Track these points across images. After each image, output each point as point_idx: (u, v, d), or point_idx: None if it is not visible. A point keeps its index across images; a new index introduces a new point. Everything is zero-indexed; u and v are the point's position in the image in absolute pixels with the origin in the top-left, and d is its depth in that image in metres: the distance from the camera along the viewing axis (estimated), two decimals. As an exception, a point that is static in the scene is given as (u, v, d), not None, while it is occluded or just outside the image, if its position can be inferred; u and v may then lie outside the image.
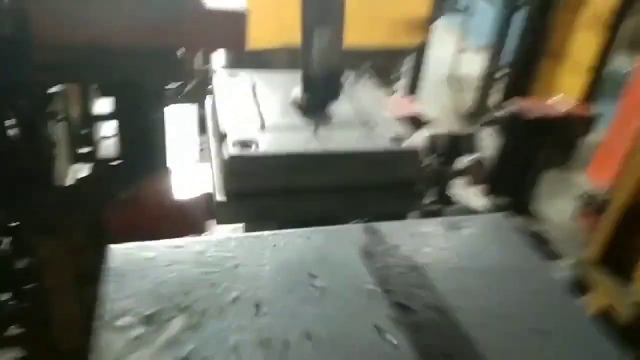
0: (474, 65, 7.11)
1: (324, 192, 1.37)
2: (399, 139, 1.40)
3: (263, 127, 1.39)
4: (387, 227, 1.18)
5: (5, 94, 3.33)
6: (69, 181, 3.92)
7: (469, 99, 6.63)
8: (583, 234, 3.44)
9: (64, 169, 4.05)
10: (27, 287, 3.33)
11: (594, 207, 3.14)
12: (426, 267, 1.08)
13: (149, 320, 0.91)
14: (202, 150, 3.41)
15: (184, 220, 2.46)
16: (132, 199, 3.27)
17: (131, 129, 3.69)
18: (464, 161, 4.12)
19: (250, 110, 1.46)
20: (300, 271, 1.04)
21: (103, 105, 4.06)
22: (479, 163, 4.22)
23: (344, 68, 1.42)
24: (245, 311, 0.95)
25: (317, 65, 1.34)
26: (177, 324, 0.91)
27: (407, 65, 5.59)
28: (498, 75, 6.27)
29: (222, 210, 1.30)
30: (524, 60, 6.01)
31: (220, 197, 1.29)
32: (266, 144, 1.32)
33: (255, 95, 1.54)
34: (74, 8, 1.82)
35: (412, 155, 1.38)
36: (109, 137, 4.07)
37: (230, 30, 1.76)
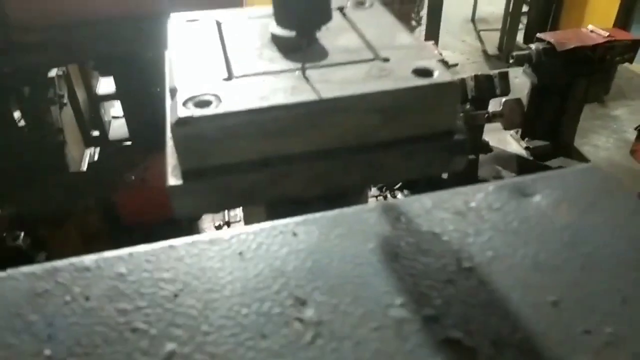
0: (497, 3, 6.38)
1: (324, 157, 0.90)
2: (425, 71, 0.91)
3: (229, 75, 0.93)
4: (417, 204, 0.71)
5: (4, 81, 2.95)
6: (84, 165, 3.57)
7: (495, 37, 5.94)
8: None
9: (78, 154, 3.69)
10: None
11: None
12: (488, 267, 0.62)
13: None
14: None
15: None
16: (142, 179, 2.89)
17: (135, 106, 3.28)
18: (496, 103, 3.60)
19: (213, 57, 0.99)
20: (280, 294, 0.59)
21: (107, 85, 3.67)
22: (513, 104, 3.68)
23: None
24: (184, 382, 0.52)
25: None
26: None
27: (425, 8, 4.98)
28: (524, 9, 5.58)
29: (177, 196, 0.85)
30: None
31: (173, 180, 0.85)
32: (233, 98, 0.86)
33: (221, 39, 1.07)
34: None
35: (446, 90, 0.89)
36: (118, 117, 3.68)
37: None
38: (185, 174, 0.85)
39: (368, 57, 0.98)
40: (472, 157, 3.46)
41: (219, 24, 1.12)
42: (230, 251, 0.65)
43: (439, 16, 5.09)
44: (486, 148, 3.67)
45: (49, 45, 2.69)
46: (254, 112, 0.84)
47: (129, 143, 3.50)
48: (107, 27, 2.65)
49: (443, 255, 0.63)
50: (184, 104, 0.84)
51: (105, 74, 3.46)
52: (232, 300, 0.59)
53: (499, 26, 5.85)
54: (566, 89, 3.86)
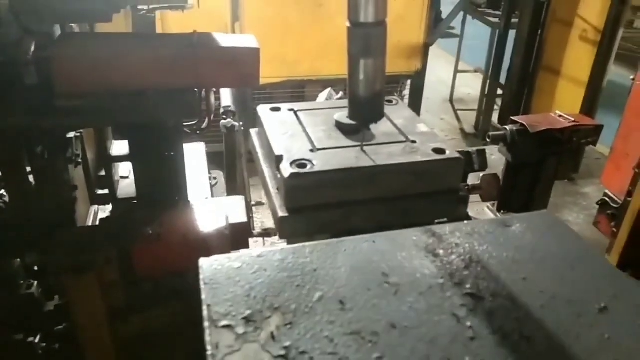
0: (474, 85, 7.33)
1: (375, 204, 1.49)
2: (440, 150, 1.53)
3: (313, 148, 1.52)
4: (443, 229, 1.30)
5: (25, 140, 3.44)
6: (89, 222, 4.01)
7: (471, 118, 6.80)
8: (604, 238, 3.55)
9: (85, 211, 4.14)
10: (57, 328, 3.40)
11: (612, 212, 3.27)
12: (487, 260, 1.20)
13: (248, 320, 1.02)
14: (215, 184, 3.53)
15: (207, 253, 2.56)
16: (156, 234, 3.37)
17: (149, 168, 3.80)
18: (475, 178, 4.24)
19: (299, 136, 1.59)
20: (373, 271, 1.16)
21: (119, 146, 4.19)
22: (490, 178, 4.34)
23: (385, 92, 1.56)
24: (332, 307, 1.06)
25: (363, 90, 1.47)
26: (273, 322, 1.02)
27: (407, 90, 5.79)
28: (498, 92, 6.46)
29: (284, 224, 1.42)
30: (522, 77, 6.19)
31: (281, 213, 1.41)
32: (319, 163, 1.45)
33: (300, 123, 1.68)
34: (93, 56, 1.93)
35: (455, 163, 1.51)
36: (126, 177, 4.19)
37: (245, 68, 1.75)
38: (289, 210, 1.42)
39: (402, 139, 1.60)
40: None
41: (295, 112, 1.73)
42: (339, 249, 1.21)
43: (421, 96, 5.90)
44: (465, 218, 4.31)
45: (81, 110, 3.20)
46: (334, 172, 1.43)
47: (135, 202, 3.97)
48: (137, 96, 3.19)
49: (461, 255, 1.21)
50: (291, 165, 1.42)
51: (123, 138, 3.98)
52: (347, 273, 1.14)
53: (475, 106, 6.74)
54: (537, 166, 4.54)
